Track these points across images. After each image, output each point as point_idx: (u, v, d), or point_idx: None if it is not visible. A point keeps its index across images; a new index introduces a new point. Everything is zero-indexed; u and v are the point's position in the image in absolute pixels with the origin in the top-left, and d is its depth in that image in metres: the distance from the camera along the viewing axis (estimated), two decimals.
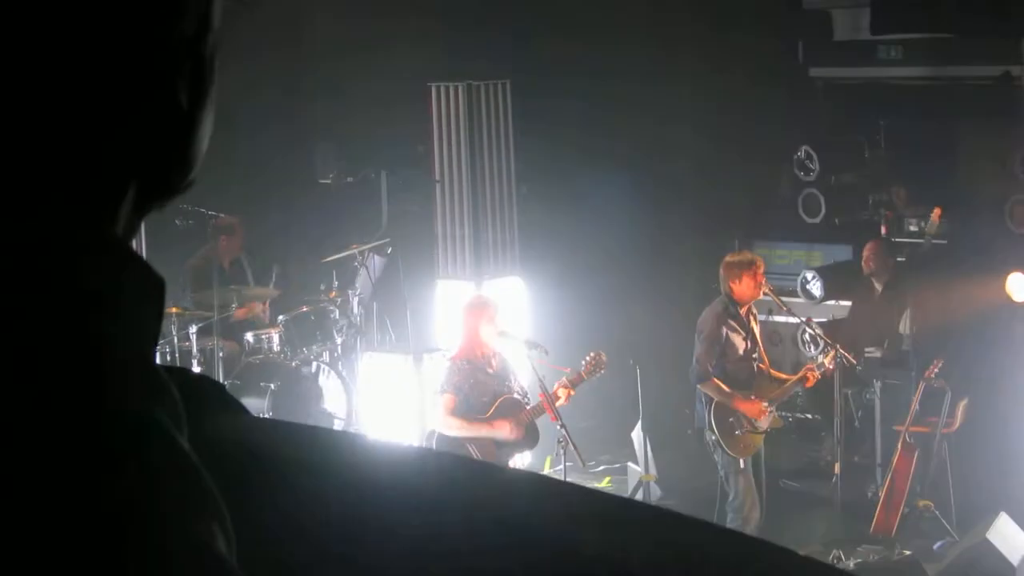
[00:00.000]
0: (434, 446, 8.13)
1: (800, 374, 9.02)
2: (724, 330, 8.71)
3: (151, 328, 0.79)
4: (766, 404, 8.76)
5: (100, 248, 0.79)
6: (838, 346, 9.03)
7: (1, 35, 0.77)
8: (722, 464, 8.78)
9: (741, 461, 8.71)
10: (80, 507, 0.69)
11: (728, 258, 8.93)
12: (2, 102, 0.77)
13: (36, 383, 0.72)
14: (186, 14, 0.83)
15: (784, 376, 9.10)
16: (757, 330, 8.96)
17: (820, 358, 9.13)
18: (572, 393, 8.35)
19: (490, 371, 8.26)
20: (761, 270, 8.81)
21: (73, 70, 0.78)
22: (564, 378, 8.43)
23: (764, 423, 8.78)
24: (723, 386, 8.68)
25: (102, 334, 0.75)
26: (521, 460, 8.72)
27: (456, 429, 8.12)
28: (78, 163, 0.79)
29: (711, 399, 8.71)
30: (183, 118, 0.84)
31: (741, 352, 8.78)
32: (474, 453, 7.99)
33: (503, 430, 8.16)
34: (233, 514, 0.76)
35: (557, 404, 8.27)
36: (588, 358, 8.51)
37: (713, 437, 8.71)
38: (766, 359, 8.99)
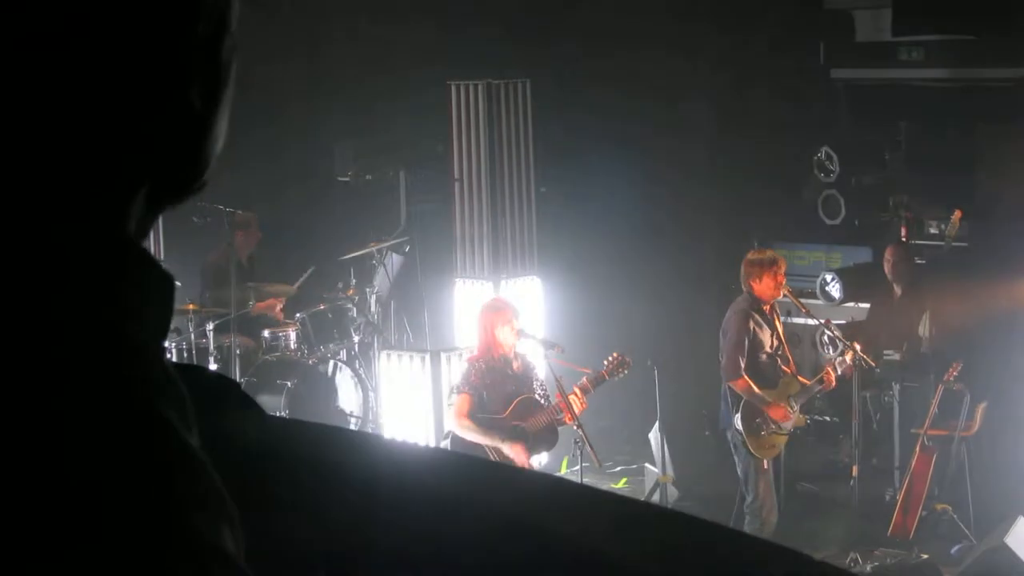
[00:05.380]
0: (448, 446, 8.11)
1: (819, 377, 8.99)
2: (751, 324, 8.69)
3: (160, 325, 0.79)
4: (791, 407, 8.74)
5: (110, 246, 0.79)
6: (857, 348, 9.00)
7: (17, 35, 0.77)
8: (743, 465, 8.76)
9: (765, 462, 8.69)
10: (85, 503, 0.69)
11: (750, 256, 8.90)
12: (16, 101, 0.77)
13: (43, 379, 0.72)
14: (202, 16, 0.83)
15: (806, 382, 9.07)
16: (780, 328, 8.94)
17: (839, 357, 9.12)
18: (585, 407, 8.30)
19: (509, 372, 8.23)
20: (782, 270, 8.79)
21: (87, 70, 0.78)
22: (584, 379, 8.38)
23: (789, 424, 8.77)
24: (754, 386, 8.66)
25: (110, 331, 0.75)
26: (538, 461, 8.71)
27: (470, 432, 8.09)
28: (90, 161, 0.80)
29: (739, 399, 8.68)
30: (196, 120, 0.84)
31: (768, 348, 8.76)
32: (492, 455, 7.97)
33: (514, 451, 8.10)
34: (247, 513, 0.76)
35: (573, 409, 8.24)
36: (610, 358, 8.47)
37: (739, 437, 8.68)
38: (791, 359, 8.97)
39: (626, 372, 8.48)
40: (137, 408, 0.73)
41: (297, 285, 11.42)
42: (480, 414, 8.12)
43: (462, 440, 8.08)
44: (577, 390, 8.25)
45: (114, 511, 0.70)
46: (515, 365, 8.27)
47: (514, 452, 8.06)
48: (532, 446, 8.23)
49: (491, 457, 7.84)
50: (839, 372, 8.95)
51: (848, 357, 9.00)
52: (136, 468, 0.71)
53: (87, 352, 0.73)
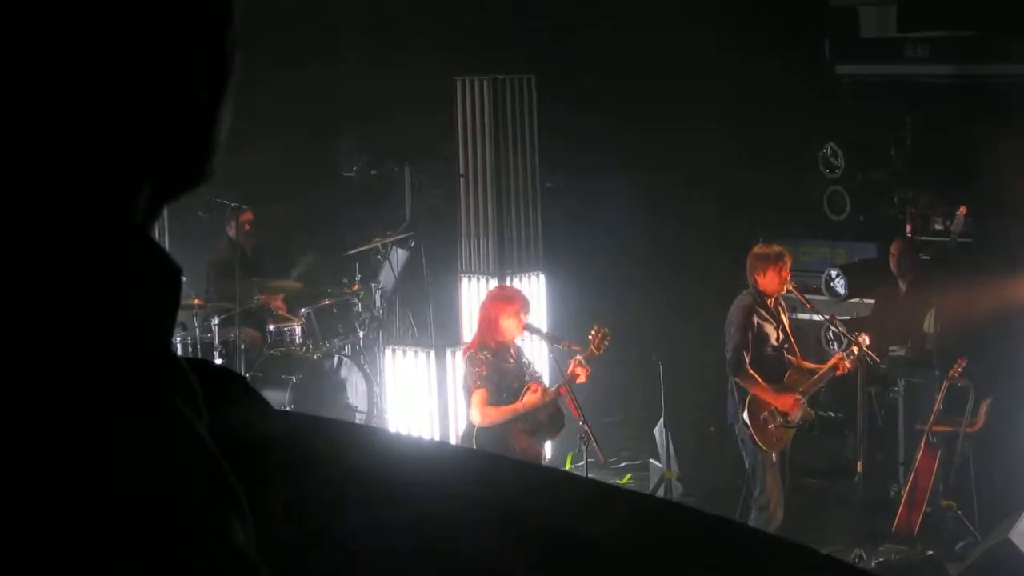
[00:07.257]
0: (474, 443, 8.07)
1: (832, 362, 8.98)
2: (755, 319, 8.67)
3: (168, 316, 0.79)
4: (799, 396, 8.73)
5: (118, 235, 0.79)
6: (862, 343, 8.99)
7: (24, 26, 0.77)
8: (751, 459, 8.74)
9: (773, 456, 8.68)
10: (97, 495, 0.69)
11: (756, 249, 8.88)
12: (23, 92, 0.78)
13: (54, 370, 0.71)
14: (206, 7, 0.83)
15: (815, 366, 9.06)
16: (786, 321, 8.93)
17: (845, 351, 9.11)
18: (589, 370, 8.29)
19: (510, 360, 8.21)
20: (788, 265, 8.78)
21: (94, 61, 0.79)
22: (578, 356, 8.35)
23: (797, 416, 8.75)
24: (759, 379, 8.65)
25: (119, 321, 0.75)
26: (544, 454, 8.70)
27: (493, 418, 8.07)
28: (97, 152, 0.80)
29: (745, 393, 8.66)
30: (202, 110, 0.85)
31: (774, 342, 8.75)
32: (517, 448, 7.96)
33: (533, 398, 8.12)
34: (252, 506, 0.76)
35: (577, 382, 8.23)
36: (592, 334, 8.42)
37: (746, 431, 8.67)
38: (797, 350, 8.97)
39: (607, 342, 8.42)
40: (149, 399, 0.73)
41: (297, 274, 11.43)
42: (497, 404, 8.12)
43: (489, 436, 8.04)
44: (579, 369, 8.23)
45: (128, 505, 0.70)
46: (512, 352, 8.26)
47: (535, 398, 8.09)
48: (548, 429, 8.27)
49: (516, 451, 7.86)
50: (848, 362, 8.94)
51: (854, 351, 8.99)
52: (150, 461, 0.71)
53: (97, 344, 0.73)
